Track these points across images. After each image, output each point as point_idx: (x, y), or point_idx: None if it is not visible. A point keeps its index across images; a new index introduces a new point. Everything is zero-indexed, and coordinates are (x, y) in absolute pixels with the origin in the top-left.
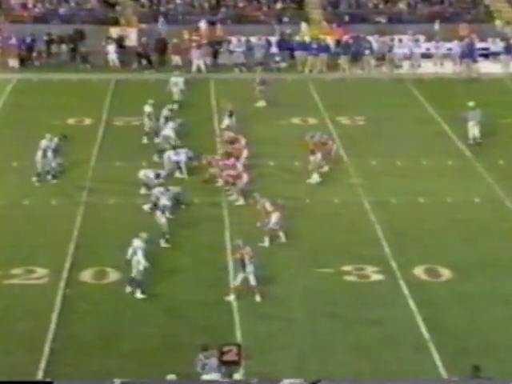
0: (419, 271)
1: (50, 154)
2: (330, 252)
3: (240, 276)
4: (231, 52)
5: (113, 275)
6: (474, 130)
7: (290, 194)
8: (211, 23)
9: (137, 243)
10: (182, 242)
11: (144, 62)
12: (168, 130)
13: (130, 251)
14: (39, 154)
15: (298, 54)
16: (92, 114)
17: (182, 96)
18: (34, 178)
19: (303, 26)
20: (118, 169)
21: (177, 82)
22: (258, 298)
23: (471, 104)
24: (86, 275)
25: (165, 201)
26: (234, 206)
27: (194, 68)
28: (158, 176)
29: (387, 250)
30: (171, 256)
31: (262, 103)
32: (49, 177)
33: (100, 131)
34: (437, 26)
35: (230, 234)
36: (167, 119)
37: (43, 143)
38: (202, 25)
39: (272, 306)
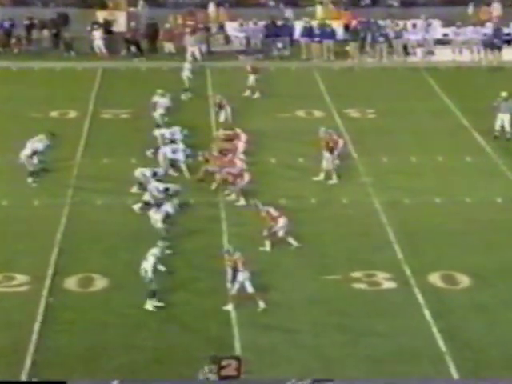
0: (435, 278)
1: (36, 156)
2: (337, 257)
3: (236, 285)
4: (228, 39)
5: (100, 282)
6: (504, 123)
7: (294, 193)
8: (204, 7)
9: (154, 250)
10: (175, 246)
11: (133, 49)
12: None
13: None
14: (26, 153)
15: (302, 40)
16: (77, 106)
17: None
18: (30, 179)
19: (318, 9)
20: (106, 166)
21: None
22: (261, 305)
23: (504, 94)
24: (71, 282)
25: (169, 208)
26: (232, 206)
27: (188, 56)
28: (155, 174)
29: (400, 254)
30: (163, 261)
31: (257, 94)
32: (30, 179)
33: (86, 125)
34: (471, 9)
35: (228, 237)
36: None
37: (34, 144)
38: (211, 8)
39: (274, 315)
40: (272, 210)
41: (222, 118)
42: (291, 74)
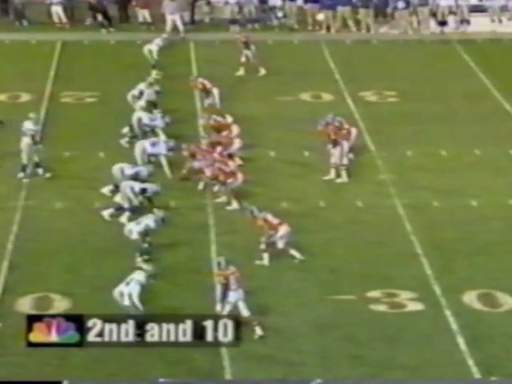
0: (471, 298)
1: None
2: (350, 272)
3: (227, 306)
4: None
5: (60, 304)
6: None
7: (298, 194)
8: None
9: (138, 276)
10: (154, 259)
11: (100, 17)
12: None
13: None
14: None
15: (307, 7)
16: (31, 88)
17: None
18: None
19: None
20: (68, 161)
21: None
22: (258, 332)
23: None
24: (25, 304)
25: (150, 222)
26: (222, 211)
27: (168, 26)
28: (136, 175)
29: (428, 269)
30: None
31: (241, 72)
32: None
33: (42, 111)
34: None
35: (218, 248)
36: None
37: None
38: None
39: (273, 344)
40: (270, 217)
41: (206, 104)
42: (294, 48)
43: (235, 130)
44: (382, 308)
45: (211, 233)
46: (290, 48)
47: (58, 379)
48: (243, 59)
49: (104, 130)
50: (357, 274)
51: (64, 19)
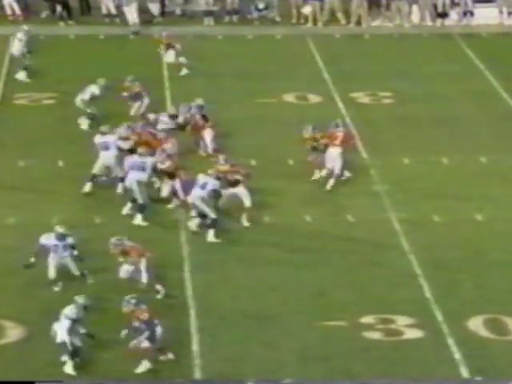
0: (477, 324)
1: None
2: (341, 296)
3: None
4: None
5: (13, 332)
6: None
7: (281, 208)
8: None
9: (67, 310)
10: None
11: (59, 9)
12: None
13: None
14: None
15: None
16: None
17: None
18: None
19: None
20: (23, 171)
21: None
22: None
23: None
24: None
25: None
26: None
27: (131, 18)
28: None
29: (428, 292)
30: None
31: (184, 71)
32: None
33: None
34: None
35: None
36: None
37: None
38: None
39: (255, 376)
40: (128, 244)
41: (132, 112)
42: (276, 43)
43: (208, 134)
44: (376, 336)
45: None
46: (271, 43)
47: None
48: (168, 59)
49: (63, 136)
50: (348, 298)
51: (18, 11)
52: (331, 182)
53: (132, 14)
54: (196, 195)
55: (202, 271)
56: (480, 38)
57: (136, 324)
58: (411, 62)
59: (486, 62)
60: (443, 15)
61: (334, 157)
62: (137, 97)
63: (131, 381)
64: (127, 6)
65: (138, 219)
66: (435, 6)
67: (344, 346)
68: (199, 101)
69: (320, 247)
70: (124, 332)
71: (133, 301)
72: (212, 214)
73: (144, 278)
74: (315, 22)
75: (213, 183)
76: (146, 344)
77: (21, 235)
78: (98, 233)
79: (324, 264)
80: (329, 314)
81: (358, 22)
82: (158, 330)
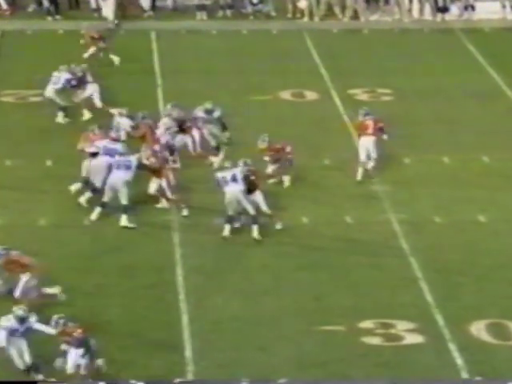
0: (479, 329)
1: None
2: (339, 300)
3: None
4: None
5: None
6: None
7: (278, 209)
8: None
9: (5, 322)
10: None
11: (46, 3)
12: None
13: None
14: None
15: None
16: None
17: None
18: None
19: None
20: (9, 171)
21: None
22: None
23: None
24: None
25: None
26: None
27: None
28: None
29: (429, 296)
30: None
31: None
32: None
33: None
34: None
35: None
36: None
37: None
38: None
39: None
40: (23, 259)
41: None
42: (272, 39)
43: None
44: (375, 341)
45: None
46: (267, 39)
47: None
48: (86, 55)
49: (51, 135)
50: (346, 301)
51: (4, 5)
52: (370, 164)
53: (108, 9)
54: (235, 191)
55: (195, 274)
56: (482, 33)
57: (67, 342)
58: (411, 57)
59: (489, 58)
60: (444, 9)
61: (367, 146)
62: (81, 82)
63: (130, 381)
64: (104, 1)
65: (124, 220)
66: (435, 0)
67: (342, 352)
68: (207, 105)
69: (318, 249)
70: (59, 361)
71: (61, 321)
72: (252, 210)
73: (17, 293)
74: (312, 16)
75: (239, 170)
76: (84, 361)
77: (7, 236)
78: (86, 234)
79: (321, 267)
80: (326, 319)
81: (356, 17)
82: (93, 343)
